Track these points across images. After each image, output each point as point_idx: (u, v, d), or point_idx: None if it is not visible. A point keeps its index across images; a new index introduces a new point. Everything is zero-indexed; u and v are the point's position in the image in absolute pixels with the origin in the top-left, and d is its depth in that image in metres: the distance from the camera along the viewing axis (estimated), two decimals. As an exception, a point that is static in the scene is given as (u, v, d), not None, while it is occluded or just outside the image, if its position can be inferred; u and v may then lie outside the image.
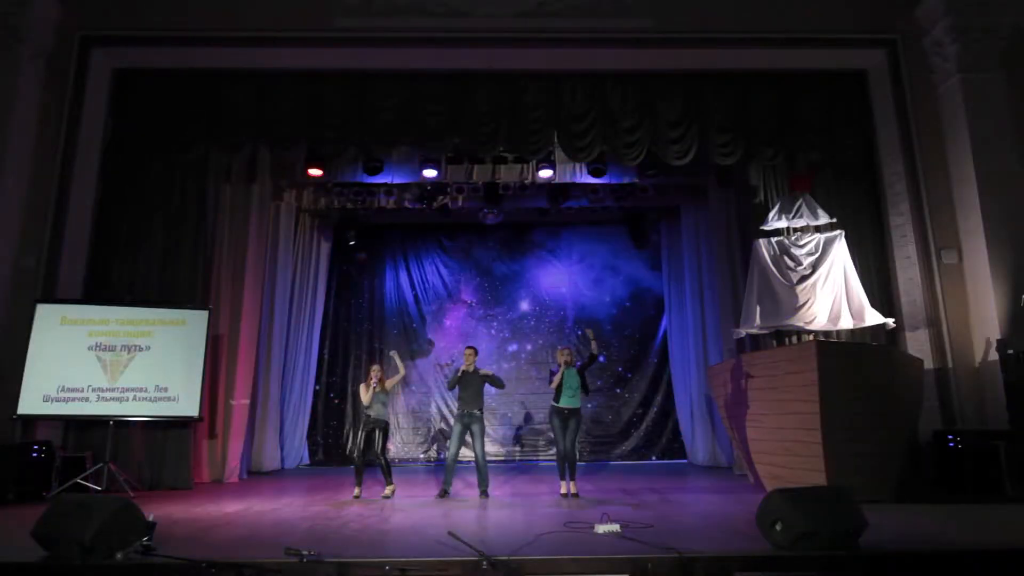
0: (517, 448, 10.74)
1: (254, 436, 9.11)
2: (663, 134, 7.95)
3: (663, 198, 10.22)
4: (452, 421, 7.05)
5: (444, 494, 6.48)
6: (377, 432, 6.66)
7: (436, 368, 10.86)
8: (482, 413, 6.84)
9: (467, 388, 6.80)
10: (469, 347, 7.10)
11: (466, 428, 6.75)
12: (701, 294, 9.98)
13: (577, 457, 6.96)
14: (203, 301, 7.90)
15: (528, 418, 10.88)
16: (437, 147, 8.15)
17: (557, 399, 6.78)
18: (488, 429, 10.76)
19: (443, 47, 7.83)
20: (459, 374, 6.86)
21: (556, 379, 6.74)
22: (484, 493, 6.56)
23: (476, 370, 6.89)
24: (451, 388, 7.05)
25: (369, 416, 6.73)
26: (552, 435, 6.95)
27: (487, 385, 6.95)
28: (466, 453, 8.03)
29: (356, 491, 6.51)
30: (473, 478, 7.01)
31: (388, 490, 6.56)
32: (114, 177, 7.84)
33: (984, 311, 7.16)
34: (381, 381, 6.78)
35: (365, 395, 6.73)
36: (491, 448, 10.65)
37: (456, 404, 7.19)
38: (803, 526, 3.67)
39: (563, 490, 6.56)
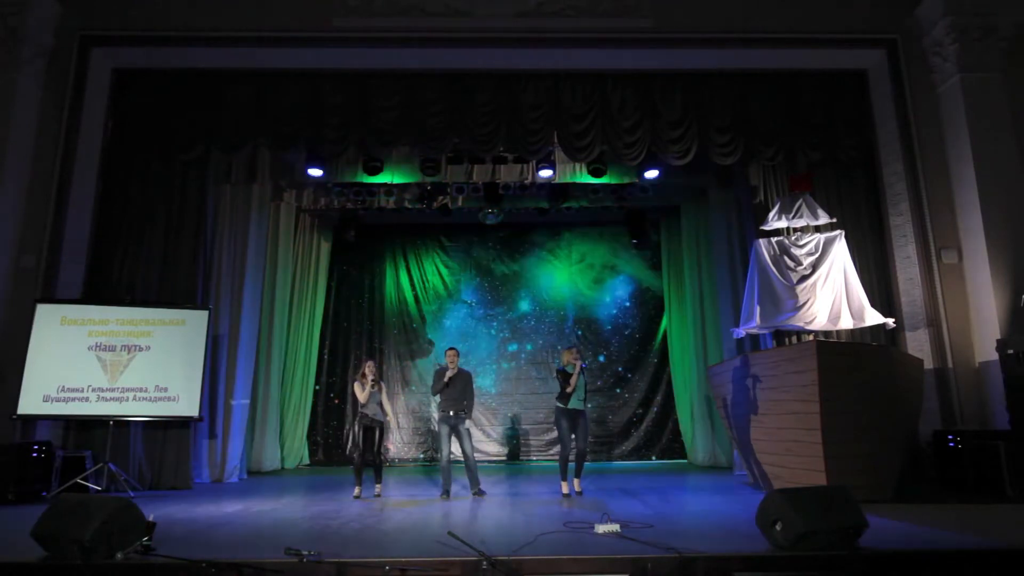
0: (517, 448, 10.73)
1: (254, 436, 9.12)
2: (663, 134, 7.95)
3: (663, 198, 10.23)
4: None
5: (446, 495, 6.43)
6: (376, 431, 6.67)
7: (436, 368, 10.86)
8: (467, 413, 6.67)
9: (453, 389, 6.62)
10: (451, 348, 6.87)
11: (453, 429, 6.60)
12: (701, 294, 9.98)
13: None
14: (203, 301, 7.91)
15: (528, 418, 10.88)
16: (437, 147, 8.14)
17: (566, 402, 6.57)
18: (488, 429, 10.75)
19: (443, 47, 7.84)
20: (447, 380, 6.59)
21: (574, 381, 6.51)
22: (478, 492, 6.53)
23: (460, 371, 6.72)
24: (437, 394, 6.76)
25: (366, 415, 6.69)
26: (558, 435, 6.73)
27: (477, 385, 6.87)
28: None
29: (356, 491, 6.49)
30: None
31: (376, 488, 6.63)
32: (114, 177, 7.84)
33: (984, 311, 7.16)
34: (377, 379, 6.74)
35: (361, 393, 6.66)
36: (491, 448, 10.64)
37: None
38: (803, 526, 3.67)
39: (565, 490, 6.50)
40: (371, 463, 6.70)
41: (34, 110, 7.56)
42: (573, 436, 6.63)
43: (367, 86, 7.97)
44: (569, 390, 6.50)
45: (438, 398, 6.87)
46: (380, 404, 6.76)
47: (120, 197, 7.83)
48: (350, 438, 10.68)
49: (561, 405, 6.62)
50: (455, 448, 6.61)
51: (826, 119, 8.02)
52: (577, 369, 6.57)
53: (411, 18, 7.81)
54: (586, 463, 6.96)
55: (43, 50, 7.61)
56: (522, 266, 11.53)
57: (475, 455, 6.77)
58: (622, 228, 11.25)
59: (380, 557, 3.70)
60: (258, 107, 7.89)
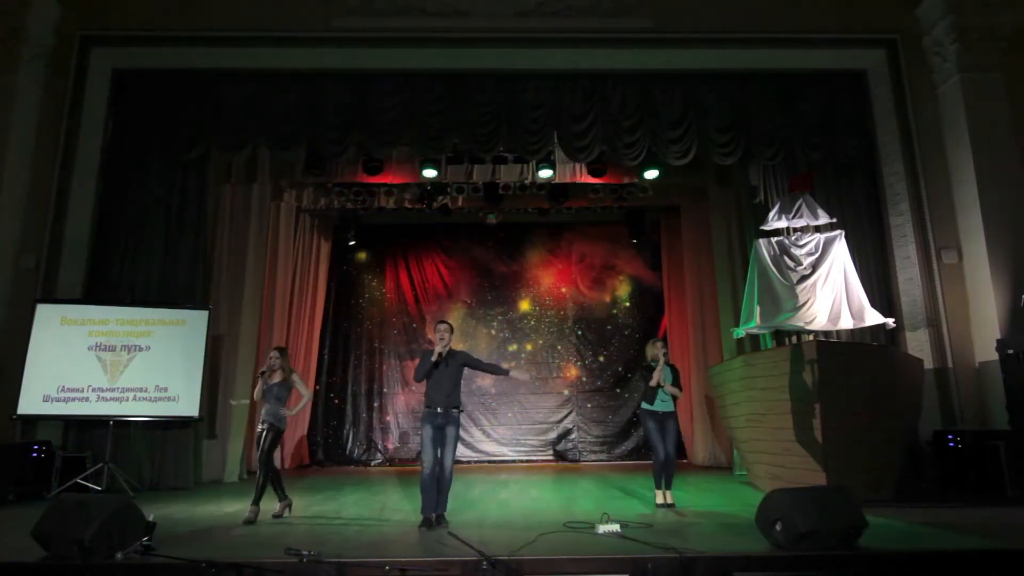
0: (516, 448, 10.73)
1: (255, 436, 9.10)
2: (663, 134, 7.95)
3: (663, 198, 10.23)
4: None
5: (430, 523, 4.80)
6: (266, 434, 5.35)
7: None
8: (459, 412, 5.16)
9: (443, 377, 5.07)
10: (443, 322, 5.28)
11: (439, 431, 5.01)
12: (701, 294, 9.98)
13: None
14: (203, 301, 7.90)
15: (527, 418, 10.88)
16: (437, 147, 8.14)
17: (651, 401, 5.82)
18: (488, 429, 10.72)
19: (443, 47, 7.84)
20: (435, 359, 5.04)
21: (657, 375, 5.74)
22: (441, 519, 4.93)
23: (453, 352, 5.18)
24: (422, 379, 5.15)
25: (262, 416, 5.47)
26: (648, 440, 5.90)
27: (466, 379, 5.25)
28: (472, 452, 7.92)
29: (279, 508, 5.30)
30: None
31: (249, 513, 5.07)
32: (114, 177, 7.84)
33: (984, 311, 7.16)
34: (277, 370, 5.51)
35: (256, 386, 5.54)
36: (490, 448, 10.63)
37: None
38: (803, 526, 3.67)
39: (659, 499, 5.71)
40: (261, 475, 5.30)
41: (34, 110, 7.56)
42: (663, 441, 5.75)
43: (367, 86, 7.96)
44: (652, 383, 5.77)
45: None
46: (281, 400, 5.47)
47: (120, 197, 7.83)
48: (351, 437, 10.69)
49: (647, 406, 5.85)
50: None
51: (826, 119, 8.02)
52: (661, 363, 5.80)
53: (411, 18, 7.81)
54: (587, 462, 6.72)
55: (43, 50, 7.61)
56: (522, 266, 11.54)
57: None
58: (622, 228, 11.25)
59: (380, 557, 3.70)
60: (258, 107, 7.88)
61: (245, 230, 8.80)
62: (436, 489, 4.92)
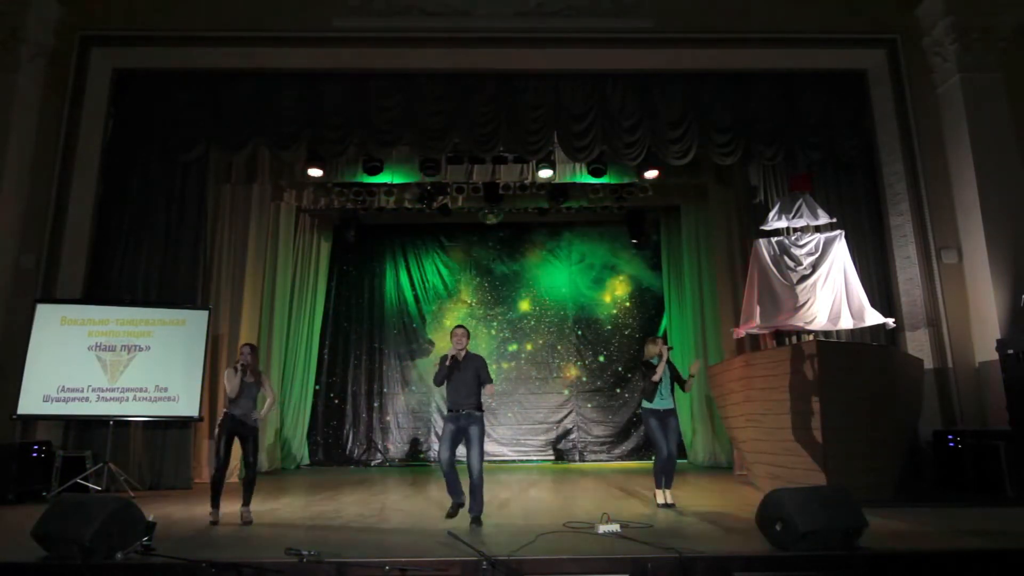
0: (516, 448, 10.73)
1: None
2: (663, 134, 7.95)
3: (663, 198, 10.23)
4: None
5: (456, 510, 5.04)
6: (245, 436, 5.25)
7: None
8: (482, 412, 5.24)
9: (459, 379, 5.20)
10: (459, 326, 5.40)
11: (461, 431, 5.15)
12: (701, 294, 9.98)
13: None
14: (203, 301, 7.90)
15: (527, 418, 10.88)
16: (437, 147, 8.14)
17: (652, 399, 5.84)
18: (488, 429, 10.70)
19: (443, 47, 7.84)
20: (448, 364, 5.16)
21: (659, 371, 5.75)
22: (477, 520, 4.97)
23: (470, 355, 5.30)
24: (441, 384, 5.28)
25: (233, 415, 5.20)
26: (650, 439, 5.87)
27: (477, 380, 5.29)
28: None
29: (211, 514, 5.07)
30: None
31: (246, 513, 5.12)
32: (114, 177, 7.84)
33: (984, 311, 7.16)
34: (252, 367, 5.30)
35: (231, 383, 5.19)
36: (490, 448, 10.61)
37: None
38: (803, 526, 3.67)
39: (659, 499, 5.71)
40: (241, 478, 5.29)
41: (34, 110, 7.56)
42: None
43: (367, 86, 7.96)
44: (655, 378, 5.76)
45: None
46: (254, 400, 5.32)
47: (120, 197, 7.83)
48: (351, 437, 10.68)
49: (648, 404, 5.88)
50: (460, 453, 5.15)
51: (826, 119, 8.02)
52: (664, 358, 5.79)
53: (411, 18, 7.82)
54: (587, 462, 6.76)
55: (43, 50, 7.61)
56: (522, 266, 11.55)
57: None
58: (622, 228, 11.26)
59: (380, 557, 3.70)
60: (258, 107, 7.88)
61: (245, 230, 8.81)
62: (458, 479, 5.06)
